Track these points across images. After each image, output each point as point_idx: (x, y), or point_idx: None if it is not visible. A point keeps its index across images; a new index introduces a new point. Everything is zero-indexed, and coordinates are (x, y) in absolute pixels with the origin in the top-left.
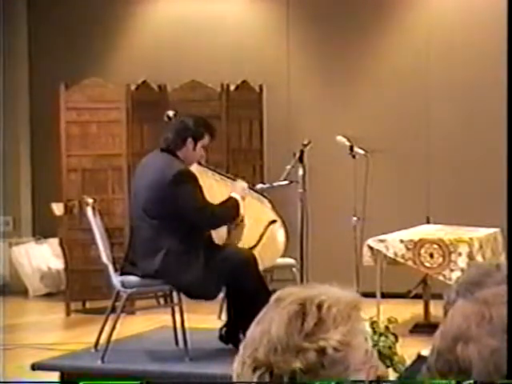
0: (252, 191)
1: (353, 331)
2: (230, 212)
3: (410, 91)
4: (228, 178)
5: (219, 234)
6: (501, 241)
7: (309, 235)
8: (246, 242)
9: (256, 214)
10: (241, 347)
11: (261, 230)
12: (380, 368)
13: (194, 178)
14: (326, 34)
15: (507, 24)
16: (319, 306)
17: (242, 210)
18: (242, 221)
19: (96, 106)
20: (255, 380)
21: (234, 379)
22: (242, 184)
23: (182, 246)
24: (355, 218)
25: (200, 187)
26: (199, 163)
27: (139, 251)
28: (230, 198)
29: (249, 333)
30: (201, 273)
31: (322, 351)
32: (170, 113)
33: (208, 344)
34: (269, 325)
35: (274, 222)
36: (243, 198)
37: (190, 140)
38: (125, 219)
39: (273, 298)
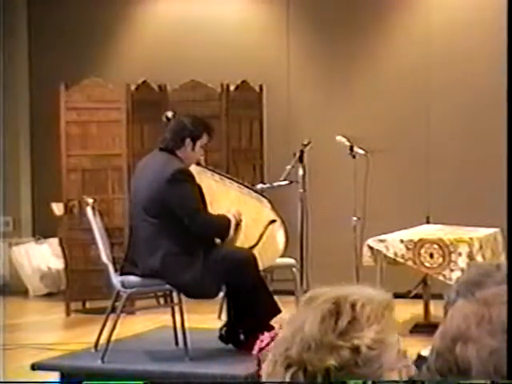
0: (251, 191)
1: (386, 330)
2: (220, 227)
3: (410, 91)
4: (227, 178)
5: None
6: (501, 241)
7: (309, 235)
8: (245, 241)
9: (255, 213)
10: (271, 347)
11: (260, 230)
12: (411, 369)
13: (191, 178)
14: (326, 34)
15: (507, 23)
16: (353, 305)
17: (231, 233)
18: (238, 232)
19: (96, 106)
20: (288, 378)
21: (264, 379)
22: (238, 210)
23: (182, 246)
24: (355, 218)
25: (199, 187)
26: (198, 164)
27: (139, 250)
28: (225, 217)
29: (280, 333)
30: (200, 272)
31: (356, 349)
32: (169, 114)
33: (208, 344)
34: (302, 323)
35: (273, 221)
36: (237, 224)
37: (188, 140)
38: (125, 219)
39: (305, 297)
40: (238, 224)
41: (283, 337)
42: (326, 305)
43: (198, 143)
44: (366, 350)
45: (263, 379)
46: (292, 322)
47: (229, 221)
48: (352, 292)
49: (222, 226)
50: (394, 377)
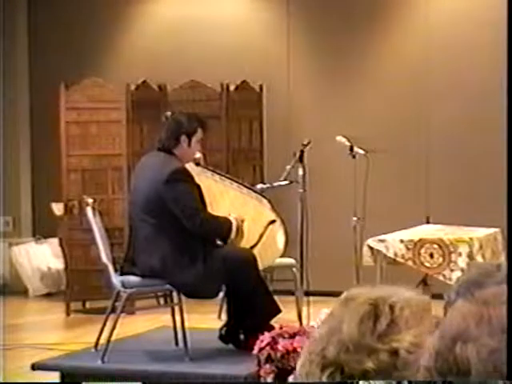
0: (251, 191)
1: (424, 333)
2: (221, 228)
3: (410, 91)
4: (227, 178)
5: None
6: (501, 241)
7: (309, 235)
8: (245, 241)
9: (255, 213)
10: (307, 345)
11: (260, 230)
12: None
13: (190, 177)
14: (326, 33)
15: (507, 24)
16: (391, 307)
17: (232, 236)
18: (241, 235)
19: (96, 106)
20: (324, 379)
21: (299, 378)
22: (241, 215)
23: (182, 246)
24: (355, 218)
25: (198, 187)
26: (198, 164)
27: (138, 250)
28: (227, 219)
29: (316, 332)
30: (200, 272)
31: (394, 352)
32: (169, 114)
33: (208, 344)
34: (339, 324)
35: (273, 221)
36: (238, 229)
37: (183, 137)
38: (125, 219)
39: (341, 297)
40: (238, 229)
41: (320, 336)
42: (365, 306)
43: (194, 139)
44: (404, 354)
45: (298, 379)
46: (328, 321)
47: (230, 223)
48: (390, 294)
49: (223, 226)
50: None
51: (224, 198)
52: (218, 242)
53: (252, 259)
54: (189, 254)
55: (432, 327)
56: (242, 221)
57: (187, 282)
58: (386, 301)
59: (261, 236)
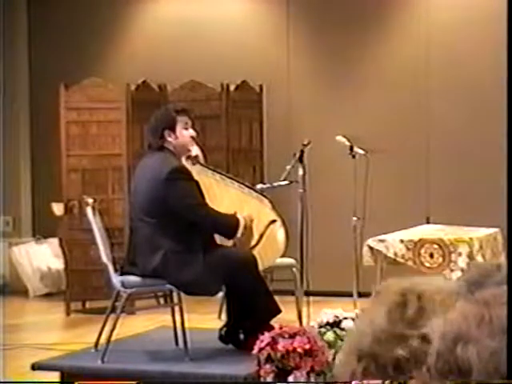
0: (252, 191)
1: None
2: (226, 224)
3: (409, 91)
4: (228, 177)
5: (223, 241)
6: (501, 241)
7: (309, 235)
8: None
9: (256, 213)
10: (346, 338)
11: (261, 230)
12: None
13: (188, 175)
14: (326, 33)
15: (507, 23)
16: (419, 295)
17: (239, 234)
18: (250, 234)
19: (96, 106)
20: (360, 370)
21: (337, 368)
22: (251, 215)
23: (181, 245)
24: (355, 218)
25: (197, 183)
26: (197, 162)
27: (138, 250)
28: (234, 216)
29: (354, 325)
30: (200, 271)
31: (424, 338)
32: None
33: (208, 344)
34: (372, 316)
35: (273, 221)
36: (246, 228)
37: (166, 132)
38: (125, 219)
39: (375, 291)
40: (247, 227)
41: (356, 330)
42: (394, 297)
43: (178, 128)
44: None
45: (336, 371)
46: (363, 315)
47: (237, 220)
48: (420, 283)
49: (228, 221)
50: None
51: (224, 197)
52: (219, 242)
53: (252, 259)
54: (188, 253)
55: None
56: (252, 220)
57: (187, 279)
58: (414, 289)
59: (261, 236)
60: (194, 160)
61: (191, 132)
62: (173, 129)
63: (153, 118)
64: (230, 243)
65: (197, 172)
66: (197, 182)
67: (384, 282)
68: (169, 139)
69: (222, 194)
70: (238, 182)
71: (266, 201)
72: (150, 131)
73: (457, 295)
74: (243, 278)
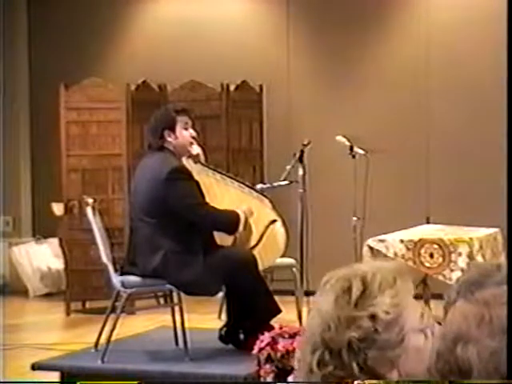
0: (253, 190)
1: (401, 292)
2: (227, 221)
3: (409, 91)
4: (228, 177)
5: (223, 238)
6: (501, 241)
7: (309, 235)
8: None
9: (256, 213)
10: (302, 335)
11: (261, 230)
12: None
13: (188, 175)
14: (325, 33)
15: (507, 23)
16: (363, 277)
17: (240, 229)
18: (250, 229)
19: (96, 106)
20: (315, 361)
21: (296, 366)
22: (250, 207)
23: (181, 245)
24: (355, 218)
25: (197, 183)
26: (198, 161)
27: (138, 250)
28: (234, 211)
29: (306, 322)
30: (200, 271)
31: (373, 316)
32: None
33: (208, 344)
34: (320, 306)
35: (274, 221)
36: (247, 222)
37: (166, 132)
38: (125, 219)
39: (321, 284)
40: (247, 222)
41: (307, 324)
42: (338, 284)
43: (177, 128)
44: (383, 315)
45: (296, 366)
46: (312, 308)
47: (237, 215)
48: (361, 267)
49: (228, 218)
50: (420, 338)
51: (224, 197)
52: (218, 241)
53: (252, 259)
54: (188, 253)
55: (408, 288)
56: (251, 213)
57: (187, 280)
58: (356, 273)
59: (261, 236)
60: (196, 158)
61: (191, 132)
62: (173, 129)
63: (153, 118)
64: (230, 239)
65: (197, 171)
66: (197, 182)
67: (326, 274)
68: (169, 139)
69: (223, 194)
70: (238, 181)
71: (266, 201)
72: (149, 131)
73: (395, 272)
74: (243, 278)
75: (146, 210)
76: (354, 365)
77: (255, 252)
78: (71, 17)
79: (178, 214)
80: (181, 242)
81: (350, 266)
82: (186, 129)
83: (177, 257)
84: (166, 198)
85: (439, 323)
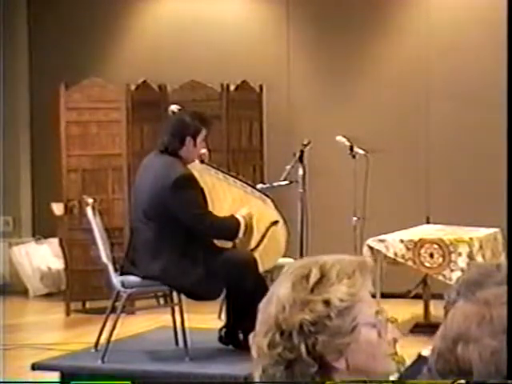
0: (255, 190)
1: (358, 284)
2: (228, 229)
3: (409, 91)
4: (231, 176)
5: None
6: (501, 241)
7: (309, 235)
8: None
9: (258, 214)
10: (257, 320)
11: (262, 231)
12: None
13: (195, 183)
14: (326, 33)
15: (507, 23)
16: (322, 266)
17: (240, 235)
18: (250, 233)
19: (96, 106)
20: (265, 343)
21: (253, 351)
22: (250, 212)
23: (183, 249)
24: (355, 218)
25: (202, 191)
26: (202, 161)
27: (140, 253)
28: (234, 218)
29: (261, 305)
30: (202, 275)
31: (327, 302)
32: (175, 108)
33: (208, 344)
34: (277, 290)
35: (275, 222)
36: (247, 227)
37: (188, 139)
38: (125, 219)
39: (282, 272)
40: (247, 227)
41: (262, 307)
42: (298, 270)
43: (198, 139)
44: (337, 302)
45: (253, 352)
46: (270, 292)
47: (238, 223)
48: (323, 257)
49: (231, 227)
50: (373, 333)
51: (227, 196)
52: (219, 245)
53: (252, 261)
54: (189, 258)
55: (367, 283)
56: (251, 218)
57: (189, 285)
58: (317, 262)
59: (262, 237)
60: (201, 158)
61: (203, 146)
62: (195, 138)
63: (177, 121)
64: (229, 243)
65: (200, 170)
66: (201, 189)
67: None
68: (188, 146)
69: (225, 194)
70: (241, 181)
71: (268, 201)
72: (170, 134)
73: (355, 265)
74: (244, 280)
75: (148, 212)
76: (303, 347)
77: (256, 254)
78: (71, 17)
79: (181, 221)
80: (182, 247)
81: (313, 257)
82: (203, 140)
83: (178, 263)
84: (170, 205)
85: (392, 322)
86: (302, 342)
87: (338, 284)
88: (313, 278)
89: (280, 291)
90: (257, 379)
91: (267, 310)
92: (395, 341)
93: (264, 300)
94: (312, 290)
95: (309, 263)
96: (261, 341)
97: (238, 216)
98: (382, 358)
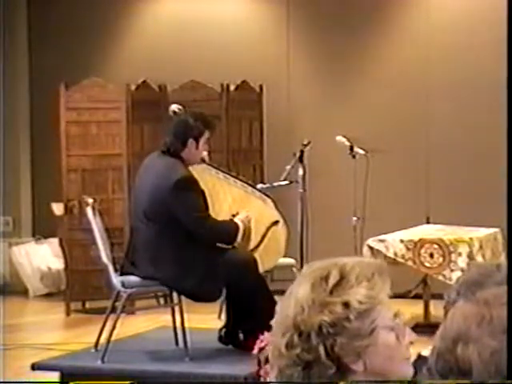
0: (255, 190)
1: (377, 287)
2: (227, 233)
3: (410, 91)
4: (231, 176)
5: None
6: (501, 241)
7: (309, 235)
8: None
9: (258, 214)
10: (273, 323)
11: (262, 231)
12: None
13: (196, 185)
14: (326, 33)
15: (507, 23)
16: (342, 268)
17: (239, 239)
18: (249, 235)
19: (96, 106)
20: (283, 344)
21: (269, 351)
22: (249, 215)
23: (182, 251)
24: (355, 218)
25: (202, 193)
26: (203, 161)
27: (140, 254)
28: (233, 222)
29: (278, 306)
30: (202, 276)
31: (346, 304)
32: (175, 108)
33: (208, 344)
34: (296, 291)
35: (276, 222)
36: (245, 230)
37: (191, 141)
38: (125, 219)
39: (301, 273)
40: (245, 230)
41: (280, 308)
42: (317, 272)
43: (201, 141)
44: (356, 305)
45: (269, 352)
46: (288, 293)
47: (236, 227)
48: (343, 259)
49: (229, 231)
50: (391, 336)
51: (227, 196)
52: (219, 246)
53: (252, 262)
54: (190, 260)
55: (385, 286)
56: (249, 221)
57: (189, 287)
58: (336, 264)
59: (262, 238)
60: (203, 158)
61: (206, 148)
62: (197, 140)
63: (181, 122)
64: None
65: (201, 170)
66: (202, 191)
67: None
68: (190, 148)
69: (225, 193)
70: (241, 180)
71: (268, 200)
72: (173, 135)
73: (374, 268)
74: (244, 280)
75: (149, 212)
76: (321, 349)
77: (256, 254)
78: (71, 17)
79: (181, 223)
80: (182, 248)
81: (332, 259)
82: (206, 143)
83: (178, 263)
84: (171, 207)
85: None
86: (321, 343)
87: (358, 286)
88: (332, 280)
89: (299, 292)
90: (272, 379)
91: (285, 310)
92: (411, 343)
93: (281, 300)
94: (331, 292)
95: (328, 265)
96: (278, 341)
97: (236, 220)
98: (399, 361)
